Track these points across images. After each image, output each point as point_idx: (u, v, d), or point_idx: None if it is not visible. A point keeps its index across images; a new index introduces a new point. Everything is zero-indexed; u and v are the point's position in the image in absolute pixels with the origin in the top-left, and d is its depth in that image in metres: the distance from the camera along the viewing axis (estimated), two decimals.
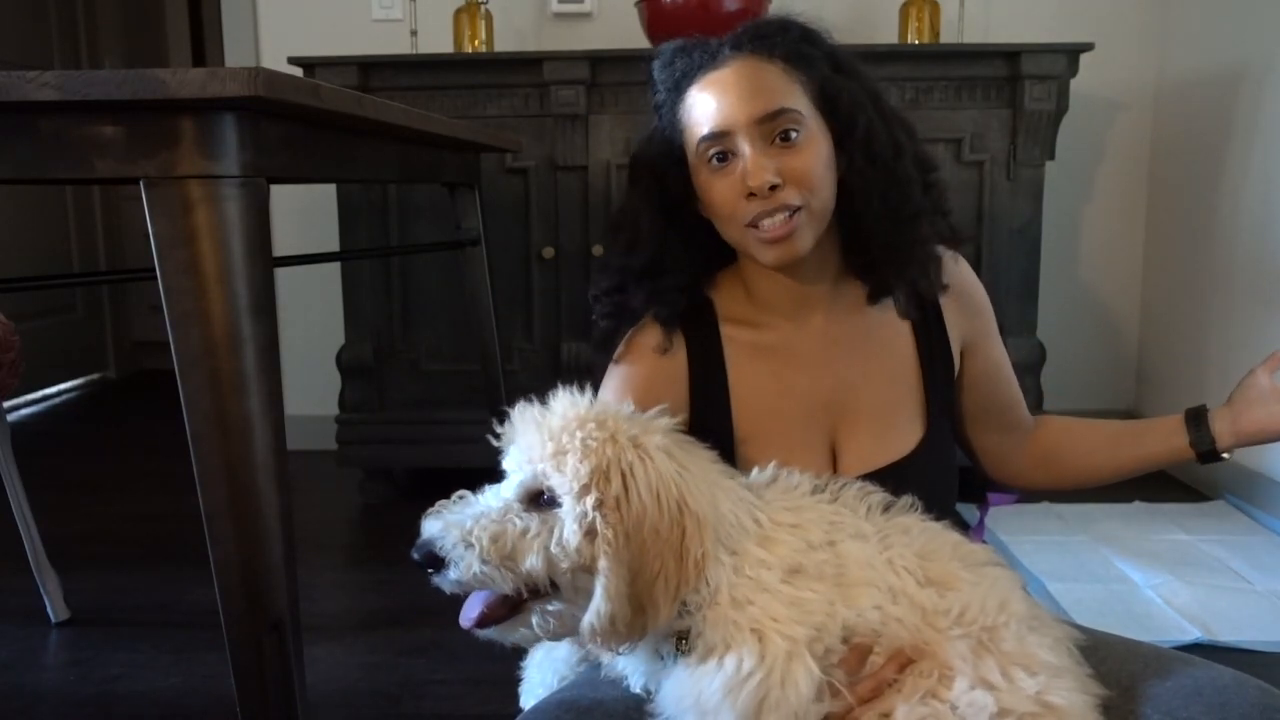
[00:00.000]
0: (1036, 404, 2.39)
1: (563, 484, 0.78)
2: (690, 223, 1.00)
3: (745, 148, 0.91)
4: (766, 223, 0.91)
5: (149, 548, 2.22)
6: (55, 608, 1.82)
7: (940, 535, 0.85)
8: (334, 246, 2.56)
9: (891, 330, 1.04)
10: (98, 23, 4.17)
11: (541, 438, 0.80)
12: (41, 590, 1.81)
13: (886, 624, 0.78)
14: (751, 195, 0.91)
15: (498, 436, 0.85)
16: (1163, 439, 1.04)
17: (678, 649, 0.80)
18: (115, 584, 2.00)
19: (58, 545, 1.87)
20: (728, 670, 0.76)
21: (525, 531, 0.78)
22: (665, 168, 0.99)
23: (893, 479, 0.92)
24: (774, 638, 0.75)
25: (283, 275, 2.71)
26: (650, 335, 1.03)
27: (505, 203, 2.39)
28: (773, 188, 0.90)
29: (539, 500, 0.80)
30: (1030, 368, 2.38)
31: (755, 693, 0.75)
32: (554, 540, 0.77)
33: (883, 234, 0.96)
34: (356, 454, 2.52)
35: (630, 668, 0.88)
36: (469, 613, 0.82)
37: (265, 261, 0.93)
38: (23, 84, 0.82)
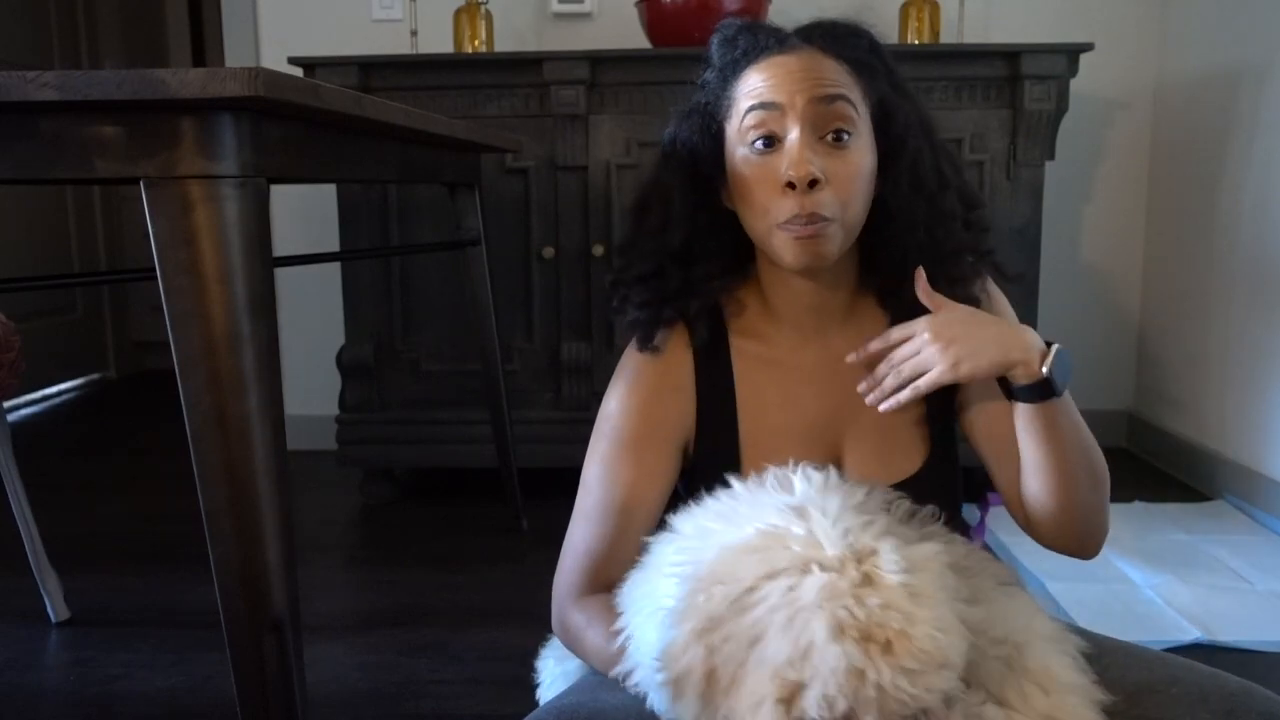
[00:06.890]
0: None
1: None
2: (716, 211, 0.97)
3: (794, 132, 0.87)
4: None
5: (149, 548, 2.21)
6: (55, 608, 1.82)
7: (975, 551, 0.83)
8: (334, 246, 2.56)
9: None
10: (98, 23, 4.17)
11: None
12: (41, 590, 1.81)
13: None
14: (789, 188, 0.86)
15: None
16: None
17: None
18: (115, 584, 2.00)
19: (58, 545, 1.87)
20: None
21: None
22: (701, 144, 0.95)
23: None
24: None
25: (283, 275, 2.72)
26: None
27: (505, 203, 2.39)
28: (813, 183, 0.86)
29: None
30: None
31: None
32: None
33: (921, 263, 0.93)
34: (356, 454, 2.52)
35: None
36: None
37: (265, 261, 0.93)
38: (23, 84, 0.82)
